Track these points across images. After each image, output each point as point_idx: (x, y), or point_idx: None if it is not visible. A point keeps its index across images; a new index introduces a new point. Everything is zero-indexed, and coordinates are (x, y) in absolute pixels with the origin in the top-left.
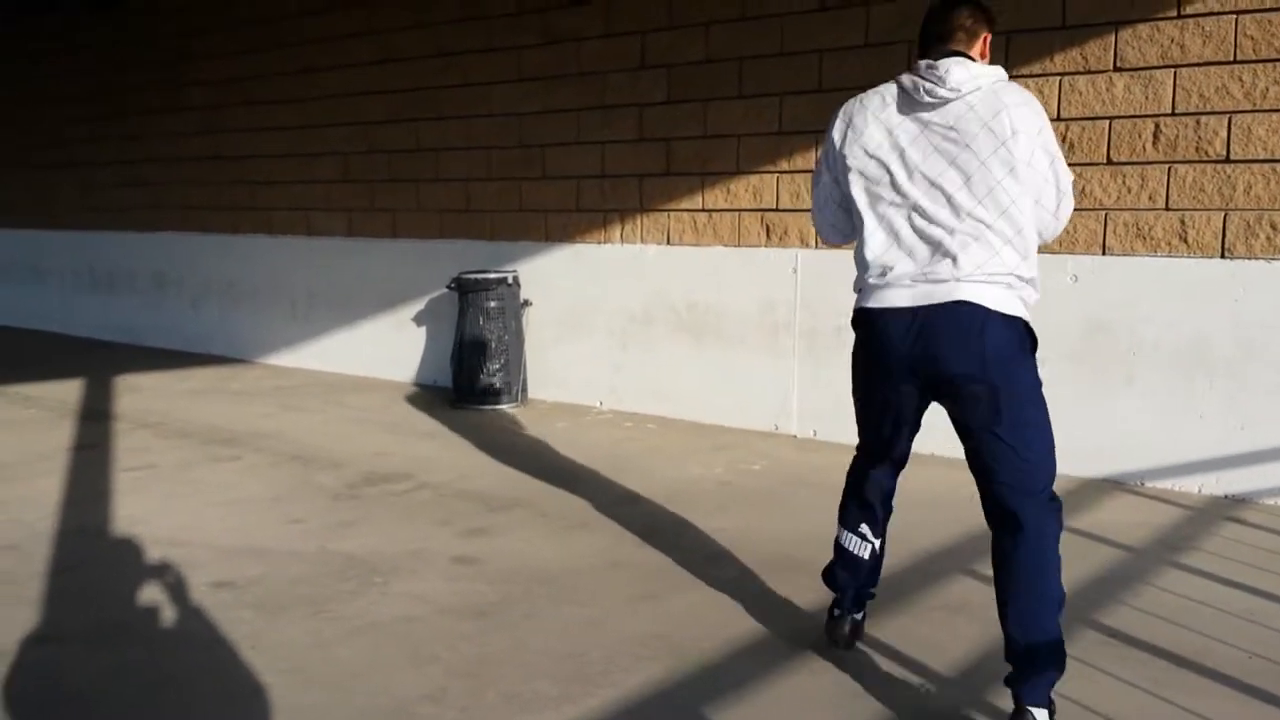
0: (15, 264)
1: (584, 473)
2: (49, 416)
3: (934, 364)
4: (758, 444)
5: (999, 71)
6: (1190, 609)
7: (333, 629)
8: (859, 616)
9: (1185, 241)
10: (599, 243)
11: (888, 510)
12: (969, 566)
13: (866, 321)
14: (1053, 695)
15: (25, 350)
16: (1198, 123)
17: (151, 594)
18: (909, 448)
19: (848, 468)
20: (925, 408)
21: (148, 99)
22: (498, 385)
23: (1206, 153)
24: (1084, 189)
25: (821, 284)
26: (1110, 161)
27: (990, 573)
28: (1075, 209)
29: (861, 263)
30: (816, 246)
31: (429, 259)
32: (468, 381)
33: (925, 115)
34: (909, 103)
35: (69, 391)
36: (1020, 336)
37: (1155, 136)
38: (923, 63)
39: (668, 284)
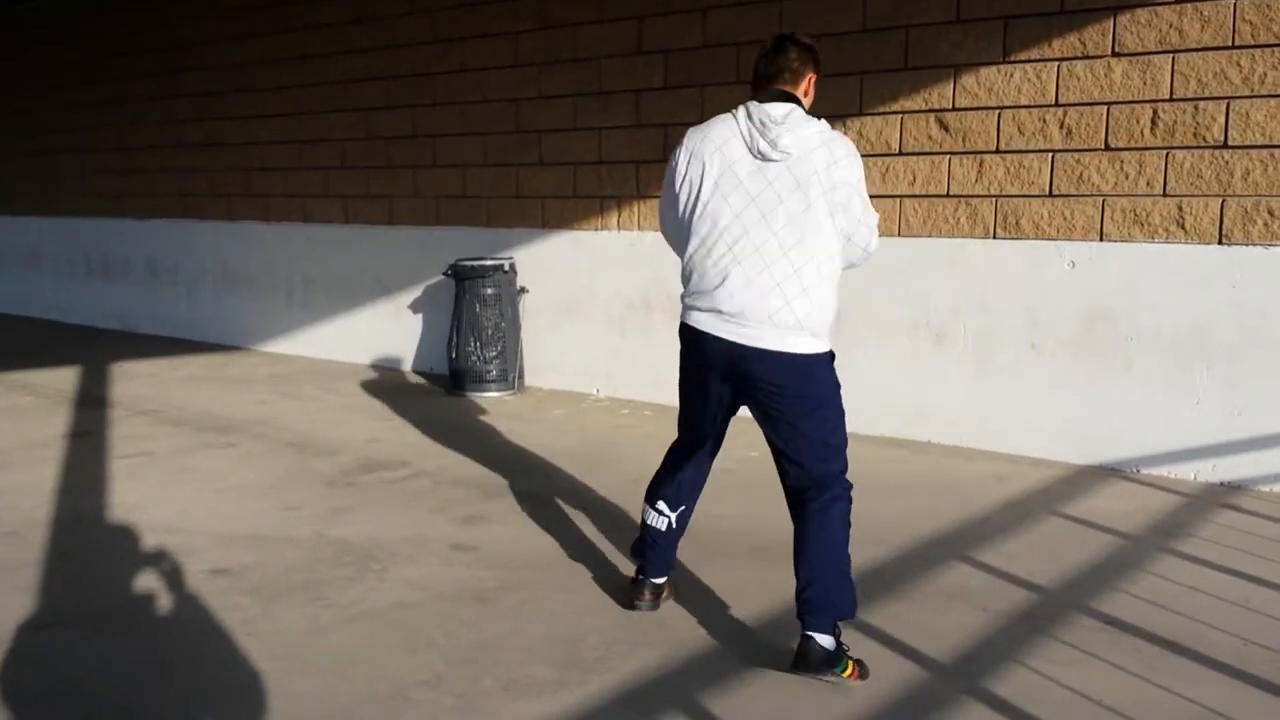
0: (11, 251)
1: (580, 460)
2: (45, 404)
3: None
4: (753, 430)
5: (824, 128)
6: (1186, 596)
7: (329, 615)
8: (659, 582)
9: (1183, 228)
10: (596, 229)
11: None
12: (965, 553)
13: (692, 335)
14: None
15: (21, 337)
16: (1196, 108)
17: (148, 581)
18: (722, 435)
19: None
20: (737, 406)
21: (144, 85)
22: (494, 372)
23: (1204, 139)
24: (1081, 175)
25: None
26: (1108, 147)
27: (988, 559)
28: (1074, 194)
29: (689, 279)
30: None
31: (426, 246)
32: (464, 368)
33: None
34: (748, 142)
35: (65, 379)
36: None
37: (1153, 122)
38: (757, 116)
39: (664, 271)
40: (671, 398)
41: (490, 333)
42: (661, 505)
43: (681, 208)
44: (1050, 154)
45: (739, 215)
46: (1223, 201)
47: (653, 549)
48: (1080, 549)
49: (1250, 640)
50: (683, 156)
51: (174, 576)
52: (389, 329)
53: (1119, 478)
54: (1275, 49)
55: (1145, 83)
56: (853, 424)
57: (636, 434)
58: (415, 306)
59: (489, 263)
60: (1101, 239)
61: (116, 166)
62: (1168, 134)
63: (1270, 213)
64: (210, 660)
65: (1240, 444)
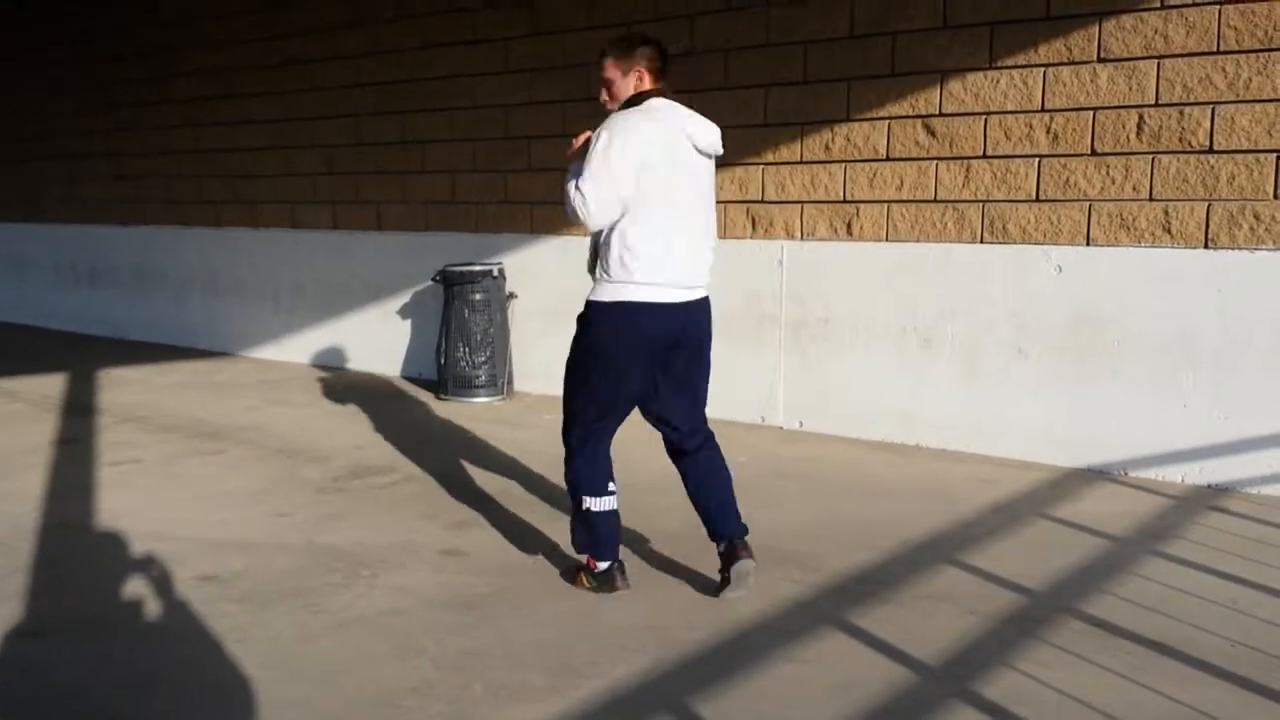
0: None
1: None
2: (32, 411)
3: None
4: (743, 436)
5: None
6: (1173, 598)
7: (319, 622)
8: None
9: (1169, 232)
10: (585, 235)
11: None
12: (954, 556)
13: (637, 310)
14: None
15: (7, 344)
16: (1181, 113)
17: (136, 588)
18: None
19: (582, 446)
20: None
21: (132, 91)
22: (483, 378)
23: (1190, 143)
24: (1068, 180)
25: (807, 275)
26: (1094, 152)
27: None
28: (1060, 199)
29: (635, 260)
30: (802, 238)
31: (414, 252)
32: (453, 374)
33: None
34: (688, 135)
35: (52, 386)
36: None
37: (1139, 127)
38: (683, 112)
39: None
40: None
41: (479, 338)
42: (612, 486)
43: (629, 189)
44: (1037, 159)
45: (688, 197)
46: (1208, 206)
47: (615, 531)
48: (1068, 552)
49: (1238, 641)
50: (635, 140)
51: (163, 584)
52: (378, 335)
53: (1106, 480)
54: (1260, 54)
55: (1131, 88)
56: (841, 427)
57: (624, 439)
58: (404, 312)
59: (478, 268)
60: (1088, 243)
61: (104, 173)
62: (1153, 139)
63: (1256, 217)
64: (199, 668)
65: (1227, 447)
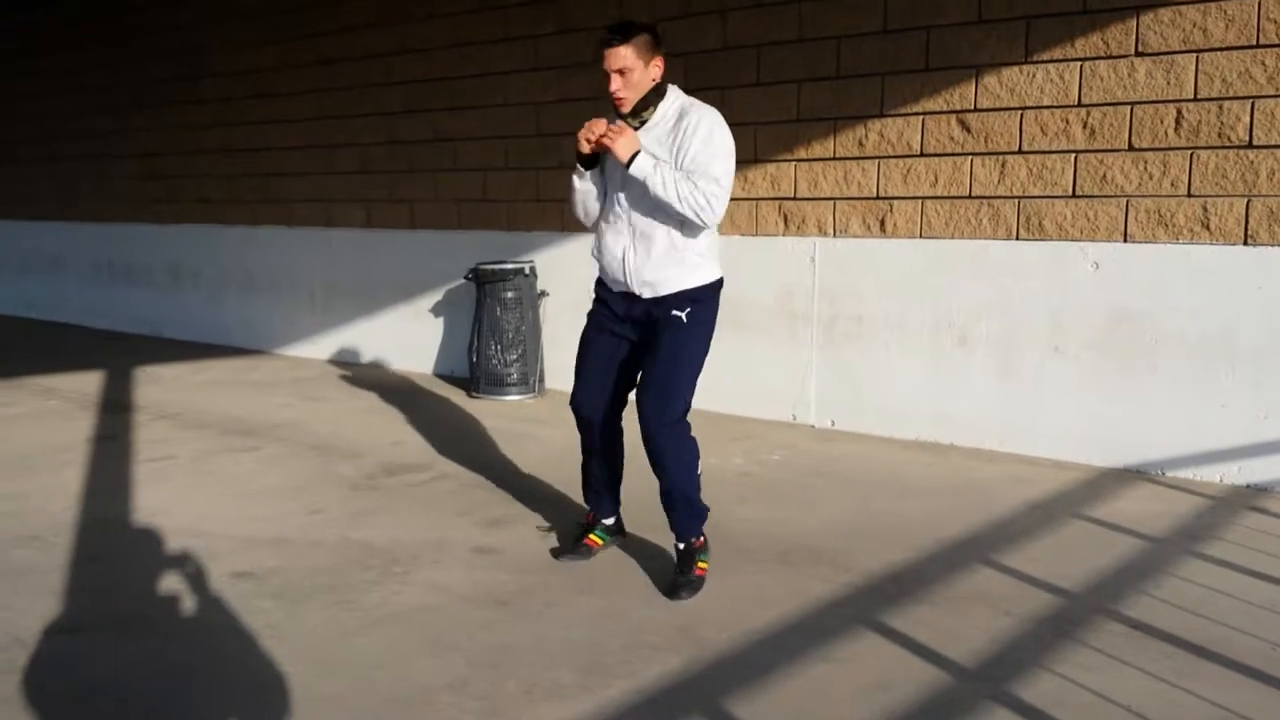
0: (35, 256)
1: None
2: (70, 408)
3: None
4: (776, 434)
5: None
6: (1212, 599)
7: (353, 618)
8: None
9: (1208, 228)
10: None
11: None
12: (989, 556)
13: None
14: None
15: (45, 342)
16: (1220, 108)
17: (172, 584)
18: None
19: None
20: None
21: (165, 91)
22: (515, 375)
23: (1229, 138)
24: (1105, 175)
25: (840, 273)
26: (1132, 148)
27: (1012, 562)
28: (1097, 195)
29: (715, 237)
30: (835, 235)
31: (447, 249)
32: (485, 372)
33: None
34: None
35: (89, 383)
36: None
37: (1177, 122)
38: None
39: None
40: (692, 399)
41: (511, 336)
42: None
43: None
44: (1073, 154)
45: None
46: (1248, 202)
47: None
48: (1105, 552)
49: (1278, 644)
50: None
51: (198, 580)
52: (411, 333)
53: (1143, 480)
54: None
55: (1169, 82)
56: (874, 426)
57: None
58: (436, 310)
59: (509, 266)
60: (1125, 240)
61: (138, 172)
62: (1192, 134)
63: None
64: (235, 663)
65: (1266, 446)
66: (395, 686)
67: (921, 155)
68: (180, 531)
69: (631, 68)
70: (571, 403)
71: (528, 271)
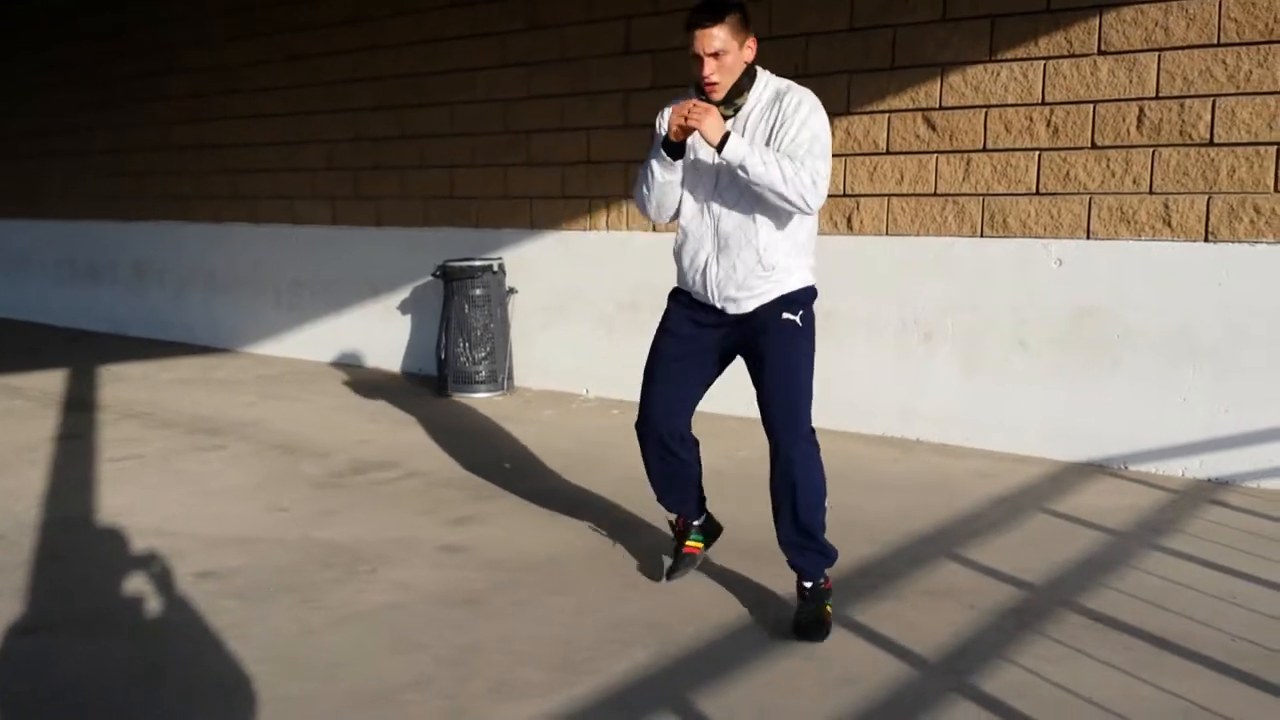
0: None
1: (570, 460)
2: (33, 407)
3: None
4: (745, 430)
5: None
6: (1173, 592)
7: (318, 618)
8: None
9: (1169, 225)
10: (585, 230)
11: None
12: (953, 551)
13: None
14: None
15: (8, 340)
16: (1182, 106)
17: (137, 584)
18: None
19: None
20: None
21: (131, 87)
22: (483, 373)
23: (1190, 136)
24: (1068, 173)
25: None
26: (1094, 145)
27: (976, 556)
28: (1060, 192)
29: (813, 239)
30: None
31: (414, 247)
32: (453, 369)
33: None
34: None
35: (53, 382)
36: None
37: (1139, 120)
38: None
39: (654, 271)
40: None
41: (479, 333)
42: None
43: None
44: (1037, 152)
45: None
46: (1209, 199)
47: None
48: (1068, 546)
49: (1237, 635)
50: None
51: (163, 579)
52: (378, 330)
53: (1107, 474)
54: (1260, 46)
55: (1131, 81)
56: (841, 421)
57: (626, 434)
58: (404, 307)
59: (478, 263)
60: (1089, 237)
61: (104, 169)
62: (1154, 132)
63: (1256, 210)
64: (199, 663)
65: (1227, 440)
66: (360, 686)
67: (888, 153)
68: (144, 531)
69: (726, 49)
70: (639, 424)
71: (496, 268)
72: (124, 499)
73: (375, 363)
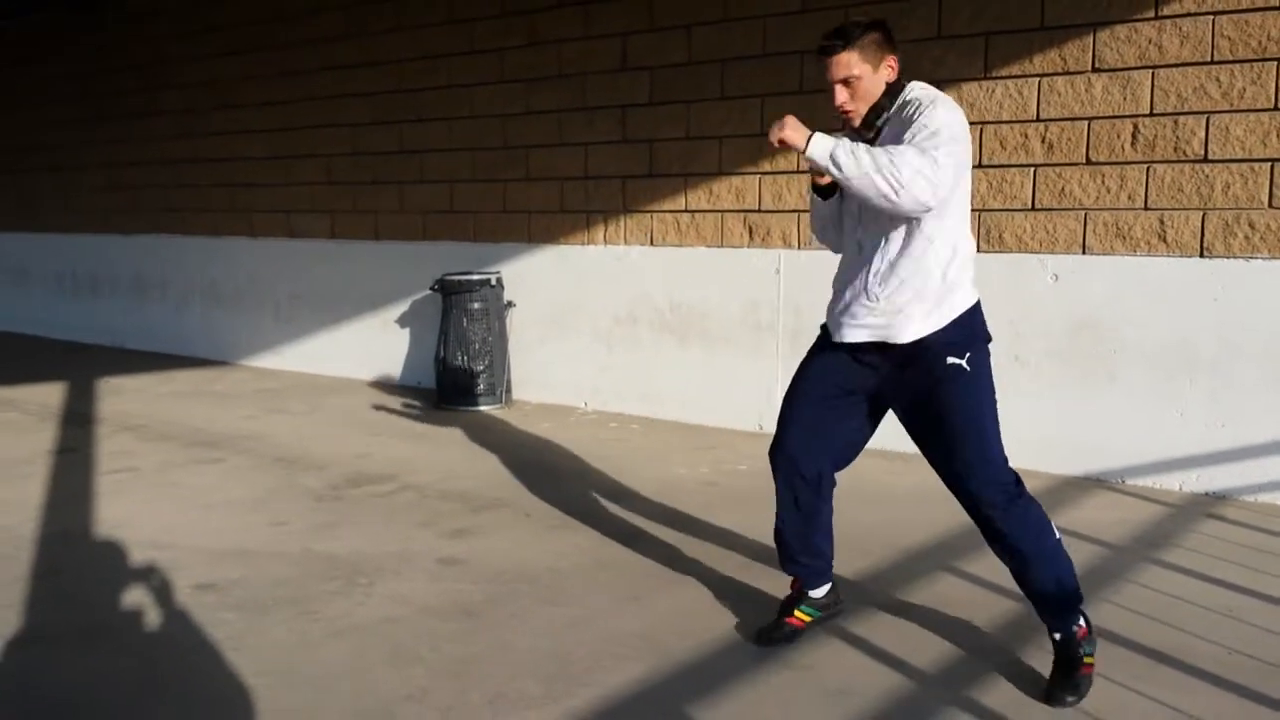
0: None
1: (568, 473)
2: (31, 420)
3: None
4: (742, 444)
5: None
6: (1171, 605)
7: (316, 630)
8: None
9: (1164, 241)
10: (582, 244)
11: None
12: (951, 564)
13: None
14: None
15: (7, 353)
16: (1176, 123)
17: (135, 597)
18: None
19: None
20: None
21: (130, 102)
22: (481, 387)
23: (1185, 153)
24: (1063, 188)
25: (805, 285)
26: (1089, 162)
27: (974, 569)
28: (1056, 208)
29: (971, 257)
30: (799, 247)
31: (412, 261)
32: (451, 383)
33: None
34: None
35: (51, 395)
36: None
37: (1134, 137)
38: None
39: (651, 285)
40: (659, 410)
41: (478, 347)
42: None
43: (955, 180)
44: (1032, 168)
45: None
46: (1203, 215)
47: None
48: None
49: (1235, 649)
50: (964, 126)
51: (161, 592)
52: (376, 344)
53: (1104, 488)
54: (1253, 64)
55: (1125, 98)
56: None
57: (624, 447)
58: (402, 321)
59: (476, 277)
60: (1084, 252)
61: (102, 183)
62: (1148, 148)
63: (1250, 225)
64: (197, 675)
65: (1224, 454)
66: (358, 698)
67: None
68: (142, 544)
69: (859, 75)
70: (773, 452)
71: (494, 282)
72: (122, 512)
73: (374, 376)
